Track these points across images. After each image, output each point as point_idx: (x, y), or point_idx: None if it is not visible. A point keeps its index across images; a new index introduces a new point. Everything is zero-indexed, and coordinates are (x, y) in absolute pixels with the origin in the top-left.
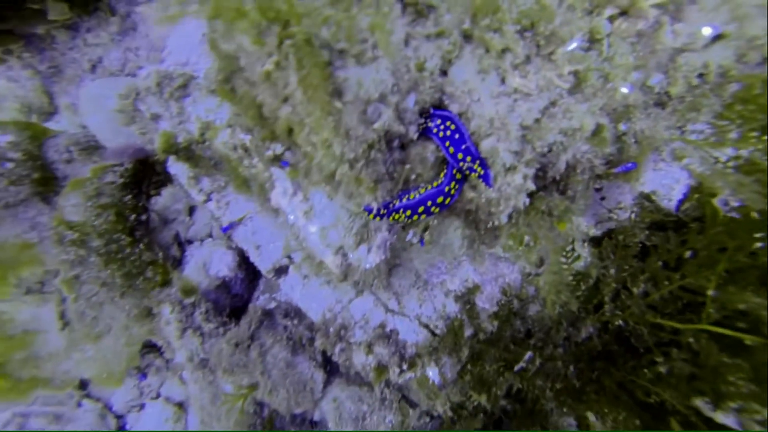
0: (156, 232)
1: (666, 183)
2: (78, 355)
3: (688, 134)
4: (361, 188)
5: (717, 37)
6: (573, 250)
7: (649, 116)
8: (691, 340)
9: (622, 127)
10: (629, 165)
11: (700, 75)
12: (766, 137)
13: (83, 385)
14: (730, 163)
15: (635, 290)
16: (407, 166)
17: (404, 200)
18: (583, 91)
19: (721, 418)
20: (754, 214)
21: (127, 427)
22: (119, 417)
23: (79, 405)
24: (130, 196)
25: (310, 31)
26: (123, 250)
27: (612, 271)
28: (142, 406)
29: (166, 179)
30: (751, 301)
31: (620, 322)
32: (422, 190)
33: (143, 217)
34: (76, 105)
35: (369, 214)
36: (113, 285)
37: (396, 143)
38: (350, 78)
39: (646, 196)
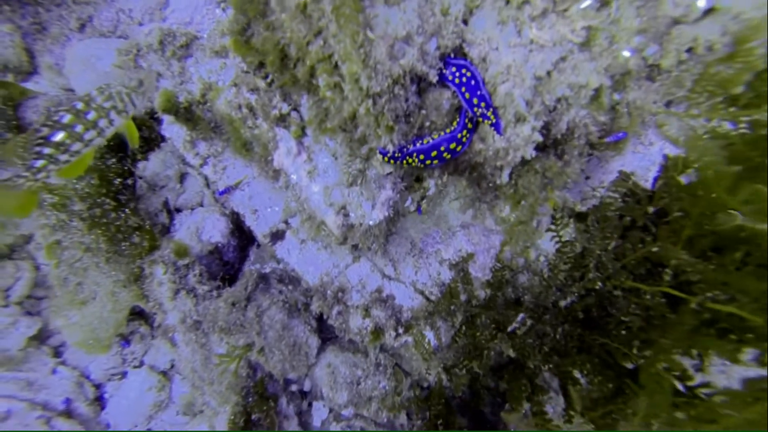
0: (143, 198)
1: (643, 165)
2: (62, 321)
3: (672, 107)
4: (380, 128)
5: (709, 11)
6: (562, 216)
7: (641, 88)
8: (647, 297)
9: (616, 96)
10: (620, 134)
11: (689, 49)
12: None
13: (58, 352)
14: (705, 135)
15: (609, 248)
16: (423, 112)
17: (418, 145)
18: (591, 49)
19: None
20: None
21: (106, 396)
22: (98, 386)
23: (54, 372)
24: (114, 160)
25: None
26: (107, 215)
27: (596, 238)
28: (123, 375)
29: (154, 143)
30: (681, 258)
31: (599, 284)
32: (435, 136)
33: (129, 182)
34: (59, 65)
35: (384, 157)
36: (97, 250)
37: (414, 87)
38: (379, 15)
39: (626, 175)
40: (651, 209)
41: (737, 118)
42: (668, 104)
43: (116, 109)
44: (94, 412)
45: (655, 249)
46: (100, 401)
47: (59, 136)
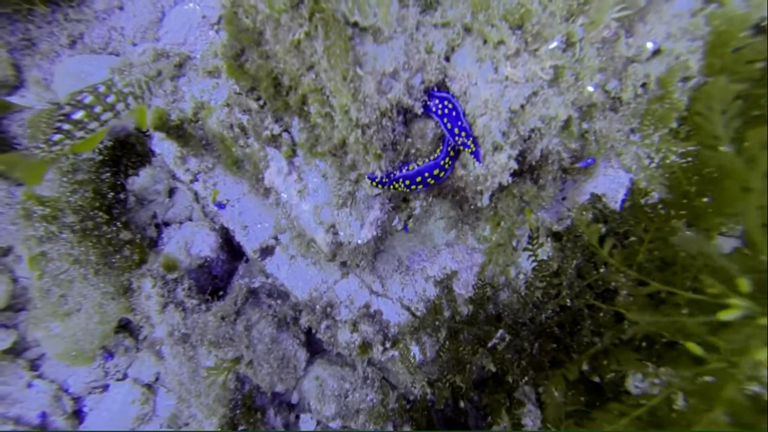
0: (132, 212)
1: (613, 187)
2: (42, 332)
3: (631, 135)
4: (369, 155)
5: (656, 52)
6: (538, 237)
7: (606, 118)
8: (602, 314)
9: (585, 125)
10: (589, 161)
11: (643, 84)
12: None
13: (35, 366)
14: (654, 164)
15: (572, 267)
16: (409, 140)
17: (404, 171)
18: (559, 85)
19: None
20: (660, 209)
21: (85, 409)
22: (77, 399)
23: (29, 386)
24: (108, 174)
25: (334, 7)
26: (99, 228)
27: (568, 257)
28: (105, 388)
29: (145, 159)
30: (620, 281)
31: (568, 302)
32: (420, 162)
33: (121, 196)
34: (47, 80)
35: (372, 182)
36: (87, 262)
37: (401, 118)
38: (368, 53)
39: (597, 197)
40: (603, 229)
41: (678, 149)
42: (632, 132)
43: (134, 95)
44: (71, 425)
45: (602, 270)
46: (78, 414)
47: (79, 115)
